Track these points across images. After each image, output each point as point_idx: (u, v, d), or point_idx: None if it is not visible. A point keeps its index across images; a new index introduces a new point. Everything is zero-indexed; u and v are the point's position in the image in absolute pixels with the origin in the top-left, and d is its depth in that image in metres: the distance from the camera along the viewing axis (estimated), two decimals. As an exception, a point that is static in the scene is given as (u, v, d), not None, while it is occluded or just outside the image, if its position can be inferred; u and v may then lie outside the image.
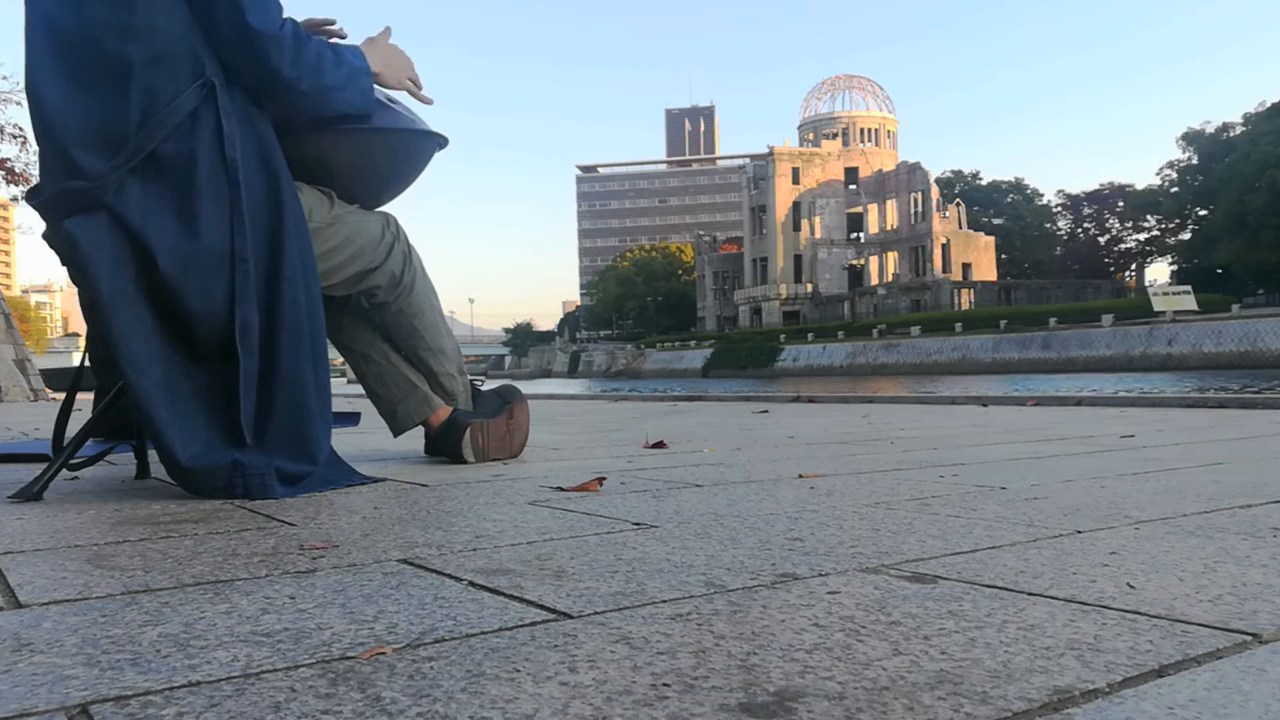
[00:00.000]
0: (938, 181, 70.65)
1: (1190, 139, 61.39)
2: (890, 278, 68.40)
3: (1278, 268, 51.06)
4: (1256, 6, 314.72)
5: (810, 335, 59.70)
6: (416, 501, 1.56)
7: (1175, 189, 63.89)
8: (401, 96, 2.02)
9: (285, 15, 1.69)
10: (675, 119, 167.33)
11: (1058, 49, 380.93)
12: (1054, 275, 72.75)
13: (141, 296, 1.59)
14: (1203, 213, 60.55)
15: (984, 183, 78.43)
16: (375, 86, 1.90)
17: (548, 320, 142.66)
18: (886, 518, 1.33)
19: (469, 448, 2.16)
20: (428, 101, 2.04)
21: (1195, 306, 43.90)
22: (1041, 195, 78.85)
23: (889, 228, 70.73)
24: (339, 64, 1.77)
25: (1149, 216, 71.44)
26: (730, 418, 4.34)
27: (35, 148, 1.66)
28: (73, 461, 1.81)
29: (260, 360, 1.65)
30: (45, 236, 1.64)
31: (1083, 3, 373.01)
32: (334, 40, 1.88)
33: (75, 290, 1.71)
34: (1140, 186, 72.65)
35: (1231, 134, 57.88)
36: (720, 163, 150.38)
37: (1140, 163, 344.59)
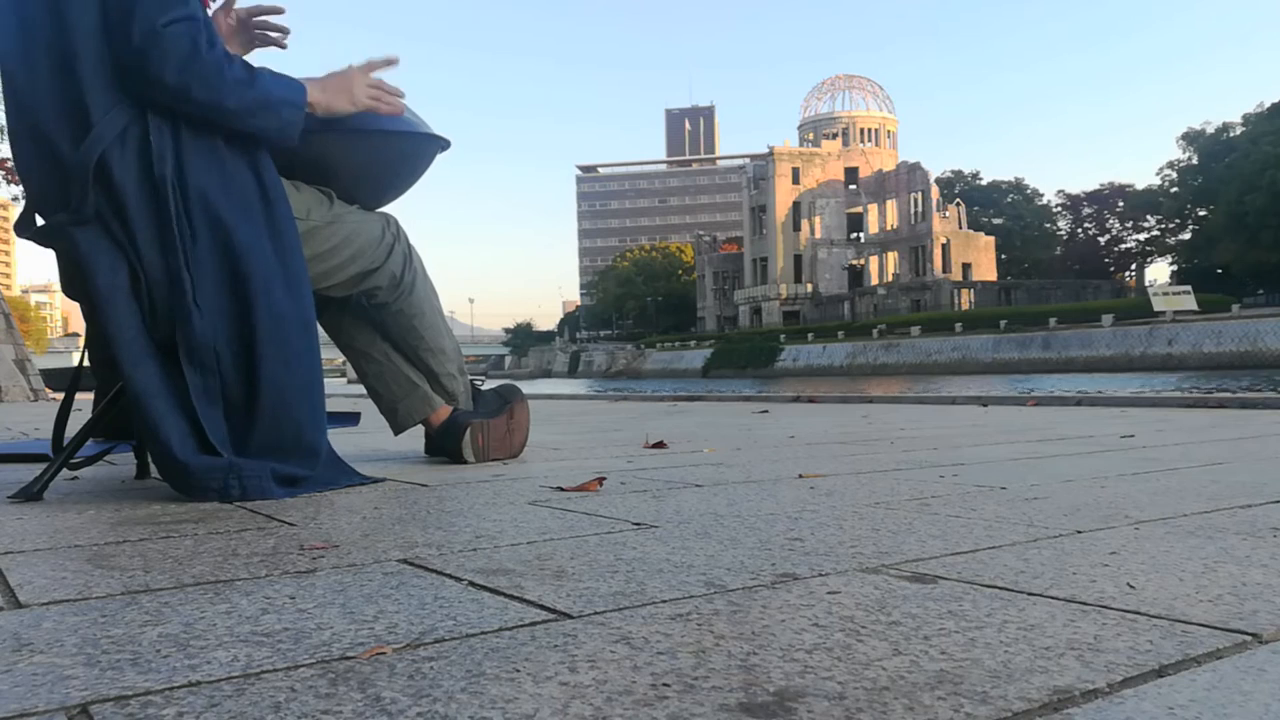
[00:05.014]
0: (938, 181, 70.69)
1: (1190, 139, 61.39)
2: (890, 278, 68.40)
3: (1278, 268, 51.04)
4: (1256, 6, 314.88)
5: (810, 335, 59.70)
6: (416, 501, 1.56)
7: (1175, 189, 63.90)
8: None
9: (190, 15, 1.54)
10: (675, 119, 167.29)
11: (1058, 49, 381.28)
12: (1054, 275, 72.78)
13: (134, 295, 1.58)
14: (1203, 213, 60.56)
15: (984, 183, 78.49)
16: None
17: (548, 320, 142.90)
18: (886, 518, 1.33)
19: (469, 448, 2.16)
20: (393, 63, 1.86)
21: (1195, 306, 43.91)
22: (1041, 195, 79.01)
23: (889, 228, 70.74)
24: (252, 85, 1.61)
25: (1149, 216, 71.50)
26: (730, 418, 4.34)
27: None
28: (73, 461, 1.81)
29: (244, 371, 1.62)
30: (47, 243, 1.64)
31: (1083, 3, 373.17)
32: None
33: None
34: (1140, 186, 72.82)
35: (1231, 134, 57.87)
36: (720, 163, 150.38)
37: (1140, 163, 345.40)
